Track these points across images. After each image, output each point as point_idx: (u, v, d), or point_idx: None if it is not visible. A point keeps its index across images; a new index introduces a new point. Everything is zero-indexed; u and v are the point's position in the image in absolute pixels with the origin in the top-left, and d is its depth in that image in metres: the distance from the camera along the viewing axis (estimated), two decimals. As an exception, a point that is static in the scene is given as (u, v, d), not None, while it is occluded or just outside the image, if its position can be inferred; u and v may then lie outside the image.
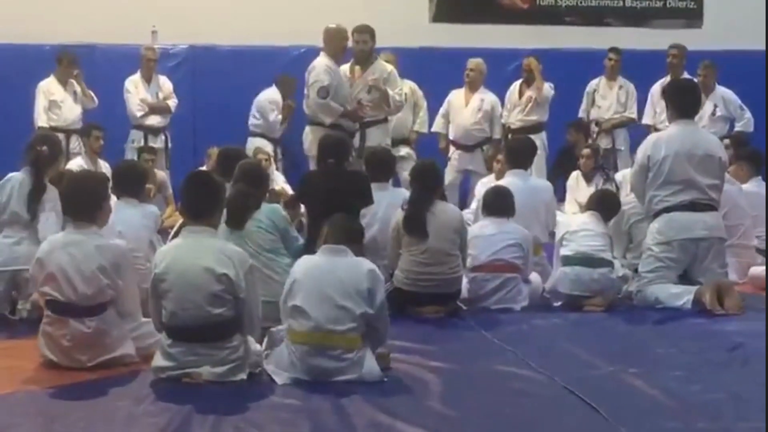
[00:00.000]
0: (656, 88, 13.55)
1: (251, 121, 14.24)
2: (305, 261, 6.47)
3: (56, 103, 13.58)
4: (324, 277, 6.25)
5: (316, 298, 6.19)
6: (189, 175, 6.77)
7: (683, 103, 9.06)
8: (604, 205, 9.16)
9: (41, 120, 13.46)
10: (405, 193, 9.21)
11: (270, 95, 14.24)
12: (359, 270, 6.28)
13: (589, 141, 13.73)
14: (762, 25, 14.24)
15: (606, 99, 14.24)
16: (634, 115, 14.05)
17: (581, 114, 14.33)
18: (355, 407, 5.74)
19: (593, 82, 14.37)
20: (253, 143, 13.82)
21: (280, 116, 14.12)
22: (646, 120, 13.49)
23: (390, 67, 11.66)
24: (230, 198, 7.63)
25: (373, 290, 6.24)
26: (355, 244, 6.54)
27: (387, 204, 9.00)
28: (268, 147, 13.87)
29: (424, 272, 8.33)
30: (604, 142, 14.01)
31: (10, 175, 8.34)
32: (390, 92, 11.30)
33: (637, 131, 13.17)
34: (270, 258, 7.48)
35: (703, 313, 8.30)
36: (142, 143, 13.80)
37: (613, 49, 14.24)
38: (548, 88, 13.49)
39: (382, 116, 11.50)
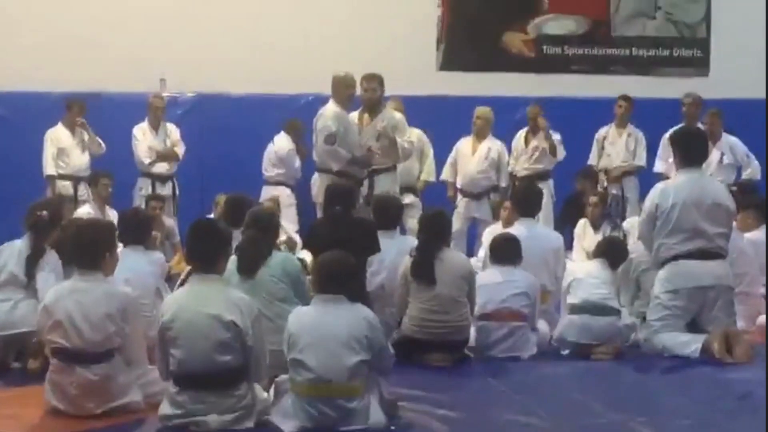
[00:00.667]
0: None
1: (269, 172, 14.25)
2: (299, 313, 6.44)
3: (64, 150, 13.61)
4: (320, 328, 6.23)
5: (314, 349, 6.17)
6: (194, 223, 6.77)
7: (691, 151, 9.07)
8: (612, 252, 9.15)
9: (49, 168, 13.50)
10: (412, 240, 9.21)
11: (287, 144, 14.25)
12: (356, 318, 6.28)
13: (598, 189, 13.71)
14: (769, 74, 14.33)
15: (615, 146, 14.20)
16: (643, 163, 13.99)
17: (591, 161, 14.30)
18: (363, 456, 5.73)
19: (603, 130, 14.33)
20: (269, 192, 13.84)
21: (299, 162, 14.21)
22: (658, 168, 13.38)
23: (399, 115, 11.69)
24: (241, 245, 7.64)
25: (371, 337, 6.24)
26: (350, 286, 6.49)
27: (395, 251, 9.00)
28: (285, 194, 13.91)
29: (433, 319, 8.31)
30: (612, 191, 13.98)
31: (13, 242, 8.33)
32: (398, 140, 11.33)
33: (647, 179, 13.12)
34: (283, 308, 7.36)
35: (712, 361, 8.27)
36: (150, 190, 13.80)
37: (623, 97, 14.22)
38: (556, 143, 13.52)
39: (390, 163, 11.52)
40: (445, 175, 13.76)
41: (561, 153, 13.62)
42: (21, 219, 8.44)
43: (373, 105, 11.43)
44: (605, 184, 14.02)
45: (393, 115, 11.59)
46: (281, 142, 14.30)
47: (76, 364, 6.43)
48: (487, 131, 13.58)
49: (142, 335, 6.70)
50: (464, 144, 13.66)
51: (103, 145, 13.81)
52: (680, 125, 12.62)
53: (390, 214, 9.48)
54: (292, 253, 10.42)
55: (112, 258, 6.83)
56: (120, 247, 8.22)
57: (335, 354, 6.14)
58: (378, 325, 6.37)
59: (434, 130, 14.00)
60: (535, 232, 9.54)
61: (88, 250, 6.68)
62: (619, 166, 14.06)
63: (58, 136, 13.65)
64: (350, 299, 6.41)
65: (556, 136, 13.61)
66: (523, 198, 10.10)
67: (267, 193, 13.85)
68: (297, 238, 12.70)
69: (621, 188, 14.03)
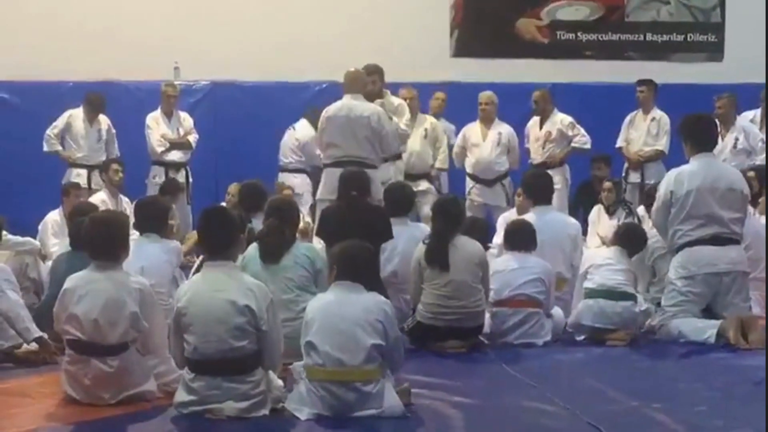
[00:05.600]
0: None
1: (288, 158, 13.99)
2: (318, 300, 6.50)
3: (77, 140, 13.65)
4: (336, 312, 6.27)
5: (329, 333, 6.20)
6: (204, 211, 6.78)
7: (702, 136, 9.05)
8: (630, 239, 9.11)
9: (48, 144, 13.61)
10: (424, 227, 9.26)
11: (310, 132, 14.00)
12: (372, 304, 6.32)
13: (621, 175, 13.67)
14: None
15: (637, 131, 14.10)
16: (662, 147, 13.83)
17: (618, 144, 14.18)
18: (378, 443, 5.74)
19: (631, 114, 14.21)
20: (287, 179, 13.75)
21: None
22: None
23: (398, 101, 11.67)
24: (264, 233, 7.75)
25: (386, 325, 6.26)
26: (367, 274, 6.53)
27: (407, 238, 9.02)
28: (306, 181, 13.82)
29: (447, 305, 8.32)
30: (633, 177, 13.91)
31: None
32: (395, 119, 11.27)
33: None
34: (301, 295, 7.46)
35: (727, 347, 8.27)
36: (163, 179, 13.80)
37: (639, 81, 14.11)
38: (568, 124, 13.45)
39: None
40: (460, 164, 13.60)
41: (582, 142, 13.51)
42: (36, 204, 8.48)
43: (374, 97, 11.38)
44: (624, 171, 13.94)
45: (392, 101, 11.55)
46: (303, 130, 14.07)
47: (90, 356, 6.44)
48: (494, 116, 13.48)
49: (162, 325, 6.69)
50: (472, 130, 13.52)
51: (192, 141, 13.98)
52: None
53: (402, 202, 9.47)
54: (308, 240, 10.42)
55: (125, 250, 6.83)
56: (136, 235, 8.26)
57: (350, 336, 6.17)
58: (393, 316, 6.42)
59: (448, 117, 14.01)
60: (550, 218, 9.53)
61: (105, 243, 6.66)
62: (637, 152, 13.95)
63: (74, 122, 13.68)
64: (366, 288, 6.45)
65: (568, 119, 13.54)
66: (533, 186, 10.08)
67: (285, 180, 13.72)
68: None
69: (641, 174, 13.90)
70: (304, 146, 13.93)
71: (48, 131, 13.66)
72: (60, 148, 13.66)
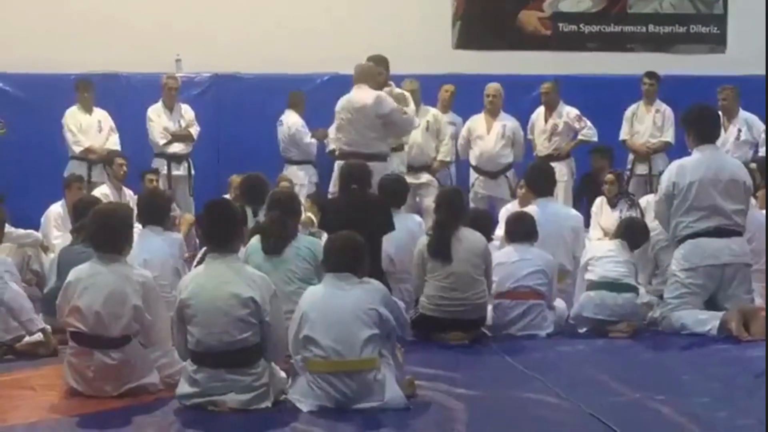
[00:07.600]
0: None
1: (288, 152, 13.93)
2: (311, 292, 6.50)
3: (80, 131, 13.63)
4: (330, 304, 6.28)
5: (325, 325, 6.21)
6: (206, 204, 6.82)
7: (704, 128, 9.04)
8: (633, 233, 9.13)
9: (75, 147, 13.50)
10: (417, 218, 9.33)
11: (296, 120, 14.02)
12: (363, 293, 6.33)
13: (627, 167, 13.66)
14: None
15: (642, 123, 14.06)
16: (670, 139, 13.80)
17: (622, 137, 14.16)
18: (381, 435, 5.74)
19: (632, 107, 14.21)
20: (293, 172, 13.70)
21: (313, 139, 13.93)
22: None
23: (400, 90, 11.64)
24: (266, 225, 7.76)
25: (380, 309, 6.26)
26: (360, 265, 6.51)
27: (401, 228, 8.99)
28: (303, 173, 13.79)
29: (450, 297, 8.33)
30: (640, 168, 13.89)
31: None
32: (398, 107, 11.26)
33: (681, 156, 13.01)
34: (300, 287, 7.43)
35: (729, 339, 8.27)
36: (165, 171, 13.79)
37: (648, 74, 14.07)
38: (575, 117, 13.44)
39: (397, 143, 11.49)
40: (466, 155, 13.59)
41: (589, 134, 13.50)
42: (40, 198, 8.47)
43: (380, 88, 11.35)
44: (631, 163, 13.92)
45: (396, 92, 11.52)
46: (289, 121, 14.01)
47: (94, 349, 6.45)
48: (500, 108, 13.48)
49: (165, 317, 6.70)
50: (477, 122, 13.51)
51: (194, 133, 13.95)
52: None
53: (395, 194, 9.43)
54: (311, 232, 10.42)
55: (128, 242, 6.83)
56: (139, 227, 8.26)
57: (346, 328, 6.18)
58: (392, 301, 6.48)
59: (450, 108, 13.99)
60: (552, 210, 9.55)
61: (108, 236, 6.68)
62: (644, 143, 13.94)
63: (74, 116, 13.67)
64: (360, 277, 6.45)
65: (574, 111, 13.53)
66: (534, 178, 10.07)
67: (289, 172, 13.66)
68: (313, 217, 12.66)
69: (649, 166, 13.88)
70: (293, 137, 13.86)
71: (69, 137, 13.57)
72: (88, 144, 13.61)
